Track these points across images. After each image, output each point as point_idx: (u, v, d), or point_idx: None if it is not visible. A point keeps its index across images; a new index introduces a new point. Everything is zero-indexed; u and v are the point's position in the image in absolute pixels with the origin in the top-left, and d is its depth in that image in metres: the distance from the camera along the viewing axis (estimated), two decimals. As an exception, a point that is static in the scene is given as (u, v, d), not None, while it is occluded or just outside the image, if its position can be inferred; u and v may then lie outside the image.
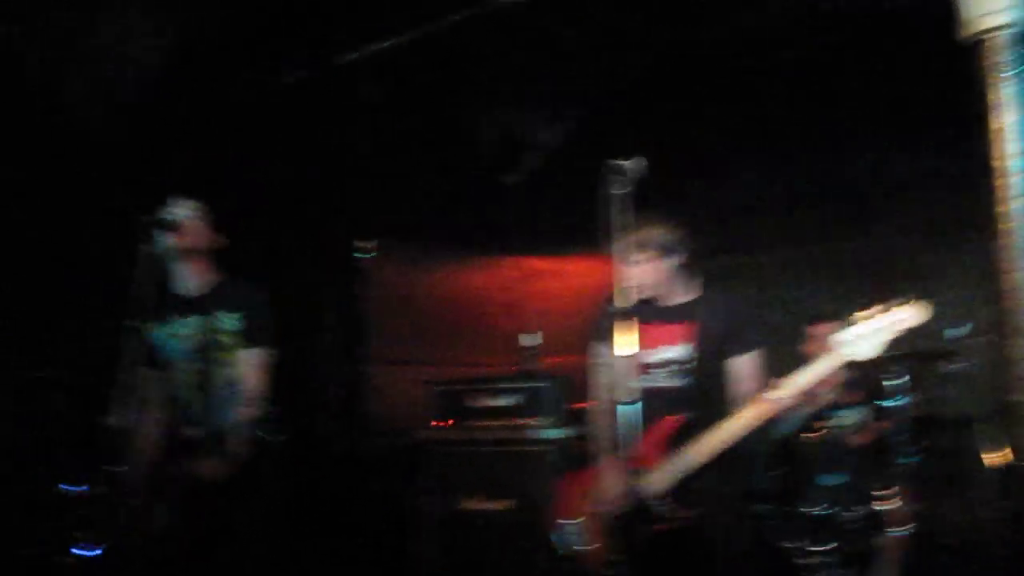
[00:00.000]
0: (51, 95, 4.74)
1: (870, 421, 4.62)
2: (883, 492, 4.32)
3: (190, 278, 3.59)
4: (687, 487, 3.33)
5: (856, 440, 4.47)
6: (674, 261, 3.50)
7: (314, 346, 6.00)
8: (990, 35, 2.11)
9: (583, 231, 6.55)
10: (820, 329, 4.88)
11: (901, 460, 4.08)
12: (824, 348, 4.73)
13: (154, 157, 4.95)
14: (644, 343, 3.48)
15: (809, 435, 4.20)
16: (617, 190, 2.99)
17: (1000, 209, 2.04)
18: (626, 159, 3.03)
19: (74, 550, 3.24)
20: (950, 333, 4.29)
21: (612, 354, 3.09)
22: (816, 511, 4.10)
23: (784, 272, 5.96)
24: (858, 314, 3.07)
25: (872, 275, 5.63)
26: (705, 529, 3.34)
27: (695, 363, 3.46)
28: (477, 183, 6.99)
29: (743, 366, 3.48)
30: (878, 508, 4.28)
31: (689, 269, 3.55)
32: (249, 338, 3.51)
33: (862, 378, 4.47)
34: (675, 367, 3.49)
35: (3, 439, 4.20)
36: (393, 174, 6.25)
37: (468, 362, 6.74)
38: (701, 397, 3.45)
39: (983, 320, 5.09)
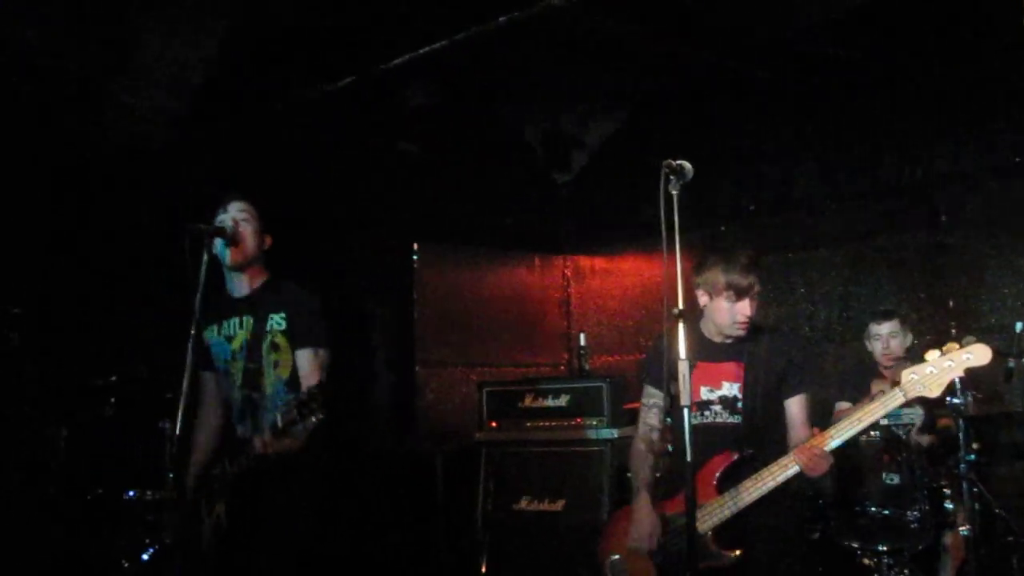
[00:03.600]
0: (105, 106, 4.82)
1: (932, 419, 4.53)
2: (947, 491, 4.23)
3: (242, 281, 3.63)
4: (735, 525, 3.33)
5: (918, 438, 4.39)
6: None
7: (365, 349, 6.03)
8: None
9: (634, 230, 6.55)
10: (885, 327, 4.76)
11: (964, 457, 3.98)
12: (890, 357, 4.70)
13: (205, 165, 5.01)
14: (700, 380, 3.50)
15: (871, 434, 4.13)
16: (673, 189, 2.94)
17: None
18: (681, 157, 2.98)
19: (144, 556, 3.29)
20: (1020, 327, 4.19)
21: (664, 394, 3.13)
22: (880, 510, 4.03)
23: (844, 267, 5.85)
24: (930, 353, 3.15)
25: (933, 270, 5.51)
26: (752, 568, 3.33)
27: (749, 401, 3.48)
28: (528, 182, 6.98)
29: (795, 407, 3.52)
30: (942, 507, 4.19)
31: None
32: (296, 338, 3.52)
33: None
34: (730, 404, 3.51)
35: (69, 448, 4.27)
36: (444, 175, 6.25)
37: (521, 363, 6.74)
38: (754, 434, 3.47)
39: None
